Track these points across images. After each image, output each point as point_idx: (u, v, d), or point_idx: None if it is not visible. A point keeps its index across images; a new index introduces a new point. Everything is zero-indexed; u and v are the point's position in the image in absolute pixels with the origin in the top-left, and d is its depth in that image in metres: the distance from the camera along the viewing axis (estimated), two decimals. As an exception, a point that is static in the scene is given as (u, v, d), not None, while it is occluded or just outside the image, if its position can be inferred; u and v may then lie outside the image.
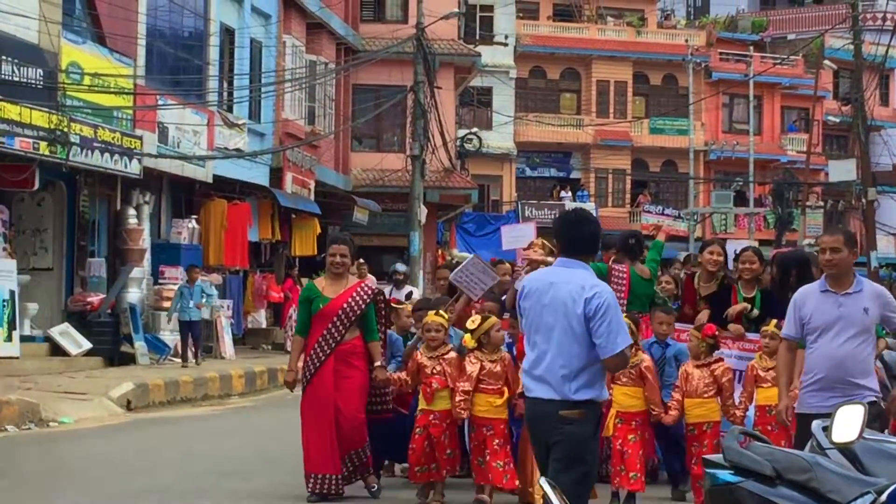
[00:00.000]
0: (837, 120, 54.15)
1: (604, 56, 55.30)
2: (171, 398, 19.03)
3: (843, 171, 44.15)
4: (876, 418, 7.54)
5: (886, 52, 33.37)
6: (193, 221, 27.29)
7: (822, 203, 52.55)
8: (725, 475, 6.44)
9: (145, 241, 24.35)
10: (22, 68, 21.35)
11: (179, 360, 22.52)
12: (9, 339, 19.71)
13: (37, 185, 21.56)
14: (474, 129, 49.95)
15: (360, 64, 37.04)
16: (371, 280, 17.18)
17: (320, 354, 10.40)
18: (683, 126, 53.42)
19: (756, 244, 28.53)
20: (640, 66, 56.35)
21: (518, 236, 17.72)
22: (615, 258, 12.04)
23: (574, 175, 56.32)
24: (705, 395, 10.53)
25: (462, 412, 10.13)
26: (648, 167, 57.31)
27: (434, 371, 10.37)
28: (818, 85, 50.78)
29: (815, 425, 7.00)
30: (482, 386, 9.91)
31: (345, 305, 10.17)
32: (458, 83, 44.27)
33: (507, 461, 10.01)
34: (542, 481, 5.59)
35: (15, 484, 11.02)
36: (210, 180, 27.42)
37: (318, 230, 33.81)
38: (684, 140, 52.70)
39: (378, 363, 10.45)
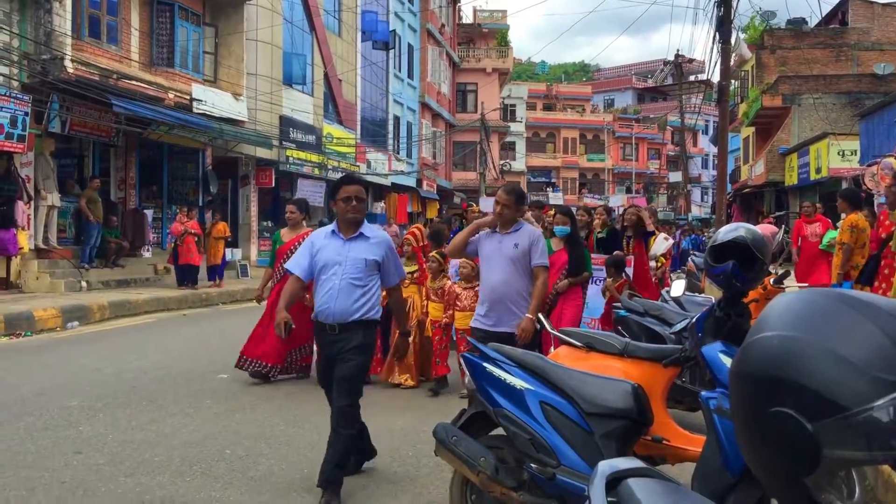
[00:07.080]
0: None
1: None
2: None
3: None
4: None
5: None
6: (382, 203, 39.92)
7: None
8: (623, 311, 8.98)
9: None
10: (305, 136, 29.84)
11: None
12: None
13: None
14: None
15: (456, 132, 52.95)
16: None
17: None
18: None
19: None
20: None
21: None
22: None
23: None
24: (469, 310, 10.48)
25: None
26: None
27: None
28: None
29: (668, 291, 9.40)
30: None
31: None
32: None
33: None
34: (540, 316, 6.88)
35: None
36: (389, 184, 40.73)
37: (438, 207, 48.54)
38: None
39: None
